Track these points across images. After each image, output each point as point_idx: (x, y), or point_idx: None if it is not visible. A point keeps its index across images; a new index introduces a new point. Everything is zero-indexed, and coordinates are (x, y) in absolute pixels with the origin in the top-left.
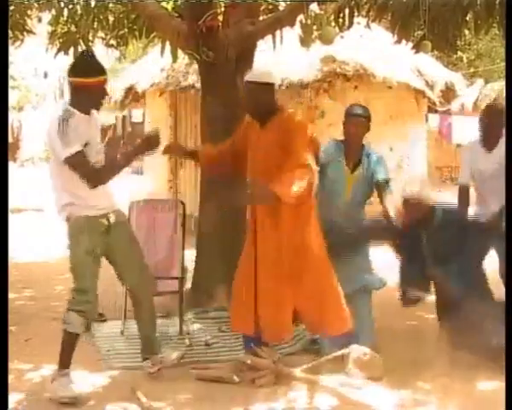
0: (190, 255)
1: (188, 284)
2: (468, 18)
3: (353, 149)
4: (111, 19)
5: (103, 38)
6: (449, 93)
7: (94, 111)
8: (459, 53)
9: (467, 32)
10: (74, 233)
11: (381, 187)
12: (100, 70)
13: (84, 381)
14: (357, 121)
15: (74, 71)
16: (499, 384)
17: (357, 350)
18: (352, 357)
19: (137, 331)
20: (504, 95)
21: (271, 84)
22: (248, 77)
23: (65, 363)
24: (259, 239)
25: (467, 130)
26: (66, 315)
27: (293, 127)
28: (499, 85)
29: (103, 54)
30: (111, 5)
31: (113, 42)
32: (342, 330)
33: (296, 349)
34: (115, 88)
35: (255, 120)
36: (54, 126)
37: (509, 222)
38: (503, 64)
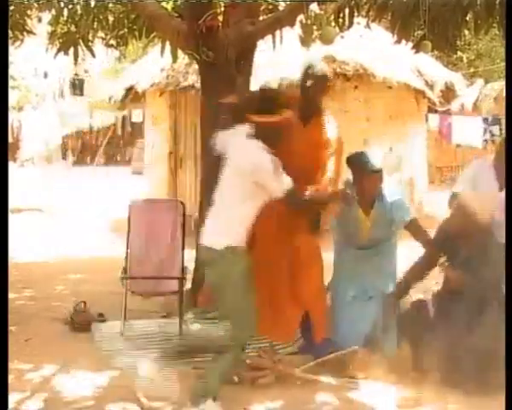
0: (190, 256)
1: (188, 285)
2: (467, 18)
3: (368, 197)
4: (111, 19)
5: (103, 38)
6: (449, 93)
7: None
8: (459, 53)
9: (467, 32)
10: (232, 259)
11: (411, 227)
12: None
13: (84, 381)
14: (375, 177)
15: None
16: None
17: (357, 350)
18: (352, 357)
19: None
20: (504, 94)
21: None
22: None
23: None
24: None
25: (466, 130)
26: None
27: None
28: (499, 85)
29: (103, 54)
30: (111, 5)
31: (112, 42)
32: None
33: (295, 349)
34: (115, 88)
35: (300, 117)
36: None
37: (509, 222)
38: (503, 64)
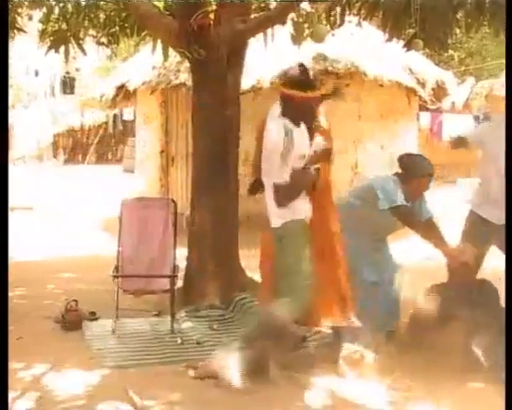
0: (182, 254)
1: (179, 283)
2: (458, 16)
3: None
4: (102, 17)
5: (94, 36)
6: (440, 91)
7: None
8: (450, 51)
9: (458, 30)
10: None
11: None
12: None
13: (75, 380)
14: (426, 181)
15: (291, 83)
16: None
17: (348, 348)
18: (342, 355)
19: None
20: (503, 94)
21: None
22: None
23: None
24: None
25: (457, 128)
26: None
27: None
28: (490, 83)
29: (94, 52)
30: (102, 3)
31: (104, 40)
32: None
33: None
34: (106, 86)
35: None
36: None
37: (508, 222)
38: (494, 62)
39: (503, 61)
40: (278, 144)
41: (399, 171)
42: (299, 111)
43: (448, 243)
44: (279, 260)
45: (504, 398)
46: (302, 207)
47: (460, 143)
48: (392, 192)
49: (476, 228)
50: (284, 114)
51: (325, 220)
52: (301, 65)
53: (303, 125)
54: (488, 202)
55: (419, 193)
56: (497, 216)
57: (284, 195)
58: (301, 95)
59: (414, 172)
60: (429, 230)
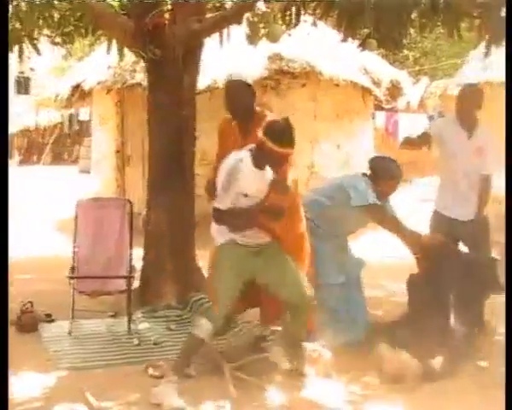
0: (138, 254)
1: (136, 283)
2: (413, 16)
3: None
4: (56, 16)
5: (49, 36)
6: (395, 91)
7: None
8: (405, 51)
9: (412, 30)
10: (226, 256)
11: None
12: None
13: (32, 382)
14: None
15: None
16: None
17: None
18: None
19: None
20: (449, 92)
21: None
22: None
23: (181, 366)
24: None
25: (412, 127)
26: (196, 320)
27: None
28: (444, 83)
29: (49, 52)
30: (56, 2)
31: (58, 40)
32: None
33: (240, 343)
34: (61, 86)
35: (237, 121)
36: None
37: (508, 222)
38: (448, 62)
39: (458, 60)
40: (223, 173)
41: (368, 172)
42: (270, 160)
43: (416, 234)
44: (213, 277)
45: (504, 398)
46: (249, 233)
47: (424, 140)
48: (364, 191)
49: (442, 228)
50: (253, 156)
51: (290, 228)
52: (287, 120)
53: (268, 171)
54: (454, 202)
55: (387, 195)
56: (465, 213)
57: (221, 219)
58: (280, 150)
59: (383, 174)
60: (398, 226)
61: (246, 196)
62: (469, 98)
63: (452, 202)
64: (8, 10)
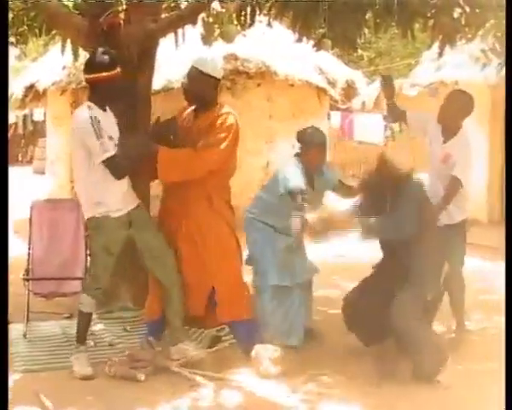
0: None
1: None
2: (367, 17)
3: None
4: (10, 16)
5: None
6: (350, 91)
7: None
8: (360, 51)
9: (366, 30)
10: (94, 230)
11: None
12: (113, 64)
13: None
14: (321, 149)
15: (89, 68)
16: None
17: (266, 348)
18: (262, 354)
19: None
20: (412, 93)
21: (216, 79)
22: (196, 64)
23: (81, 339)
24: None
25: (368, 127)
26: (80, 297)
27: (224, 129)
28: (398, 83)
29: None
30: (10, 2)
31: (12, 39)
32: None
33: (200, 349)
34: (15, 86)
35: (193, 106)
36: (86, 127)
37: (508, 222)
38: (403, 62)
39: (412, 61)
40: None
41: (299, 149)
42: (104, 93)
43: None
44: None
45: (504, 398)
46: (119, 199)
47: (399, 115)
48: (291, 175)
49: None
50: (92, 99)
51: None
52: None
53: (108, 110)
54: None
55: (317, 163)
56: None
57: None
58: (103, 75)
59: (308, 142)
60: (343, 189)
61: (111, 138)
62: (457, 104)
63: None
64: (7, 11)
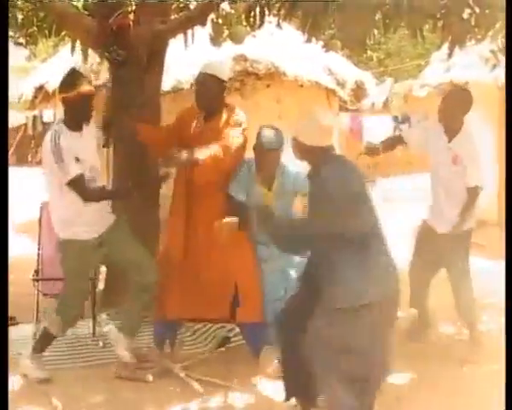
0: None
1: (101, 285)
2: (376, 17)
3: (267, 173)
4: (20, 17)
5: (12, 37)
6: (359, 92)
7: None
8: (369, 52)
9: (376, 31)
10: (67, 253)
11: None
12: (82, 82)
13: None
14: (274, 155)
15: (61, 87)
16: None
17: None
18: (271, 356)
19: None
20: (421, 94)
21: (222, 81)
22: (203, 68)
23: (38, 350)
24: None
25: (377, 128)
26: (51, 316)
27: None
28: (408, 84)
29: (13, 52)
30: (19, 3)
31: (22, 40)
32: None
33: (210, 349)
34: (25, 87)
35: (202, 111)
36: (47, 147)
37: (508, 221)
38: (412, 63)
39: (421, 62)
40: (48, 145)
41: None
42: (79, 113)
43: None
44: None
45: (504, 399)
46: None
47: (396, 142)
48: (240, 179)
49: (425, 238)
50: (65, 120)
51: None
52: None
53: (84, 129)
54: (433, 211)
55: (272, 166)
56: (442, 225)
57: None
58: (76, 93)
59: (262, 144)
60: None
61: (77, 160)
62: (455, 101)
63: (432, 210)
64: (7, 6)
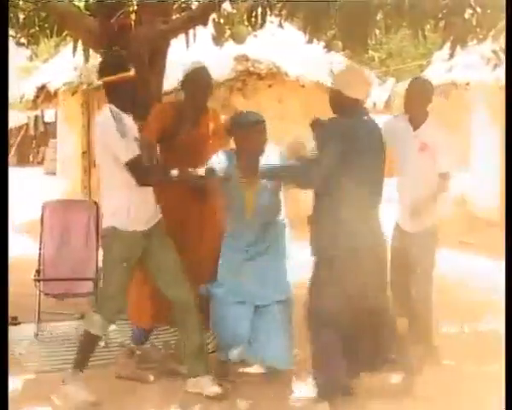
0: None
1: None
2: (378, 17)
3: (251, 160)
4: (21, 17)
5: (13, 37)
6: None
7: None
8: (371, 52)
9: (377, 31)
10: (110, 242)
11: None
12: (127, 65)
13: None
14: (259, 129)
15: (103, 70)
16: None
17: None
18: None
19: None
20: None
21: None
22: (186, 71)
23: (81, 364)
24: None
25: None
26: (89, 317)
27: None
28: None
29: (14, 52)
30: (21, 3)
31: (23, 40)
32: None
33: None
34: (27, 87)
35: (190, 117)
36: (110, 127)
37: (508, 221)
38: (414, 63)
39: (423, 62)
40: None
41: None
42: (123, 95)
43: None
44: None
45: (504, 398)
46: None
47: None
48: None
49: (397, 240)
50: (111, 102)
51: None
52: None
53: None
54: (404, 211)
55: (255, 146)
56: (413, 224)
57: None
58: (119, 77)
59: (239, 125)
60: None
61: (136, 139)
62: (418, 92)
63: (403, 211)
64: (7, 6)
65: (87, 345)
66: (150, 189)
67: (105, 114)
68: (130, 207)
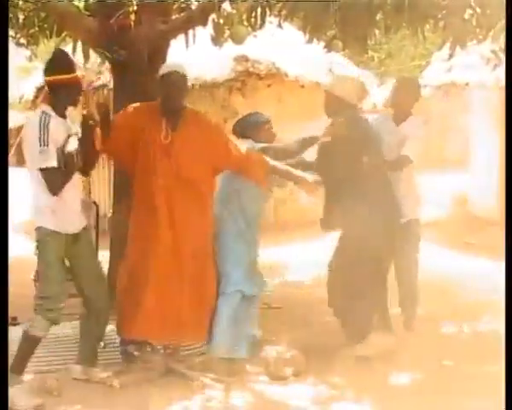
0: (105, 257)
1: None
2: (378, 17)
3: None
4: (21, 17)
5: (13, 37)
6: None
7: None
8: (370, 52)
9: (377, 31)
10: (43, 242)
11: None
12: (73, 66)
13: None
14: (268, 127)
15: (50, 69)
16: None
17: (275, 350)
18: (272, 356)
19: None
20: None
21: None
22: (163, 72)
23: (20, 368)
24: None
25: None
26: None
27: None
28: None
29: (14, 52)
30: (21, 3)
31: (23, 41)
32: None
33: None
34: (26, 88)
35: (168, 119)
36: (34, 128)
37: (508, 221)
38: (413, 63)
39: (422, 62)
40: (34, 127)
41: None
42: (64, 96)
43: None
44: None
45: (504, 398)
46: (69, 220)
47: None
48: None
49: None
50: (51, 103)
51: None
52: (59, 51)
53: (67, 116)
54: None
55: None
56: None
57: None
58: (63, 78)
59: (249, 125)
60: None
61: (57, 149)
62: (404, 91)
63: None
64: (7, 6)
65: (27, 348)
66: (76, 193)
67: (35, 116)
68: (55, 210)
